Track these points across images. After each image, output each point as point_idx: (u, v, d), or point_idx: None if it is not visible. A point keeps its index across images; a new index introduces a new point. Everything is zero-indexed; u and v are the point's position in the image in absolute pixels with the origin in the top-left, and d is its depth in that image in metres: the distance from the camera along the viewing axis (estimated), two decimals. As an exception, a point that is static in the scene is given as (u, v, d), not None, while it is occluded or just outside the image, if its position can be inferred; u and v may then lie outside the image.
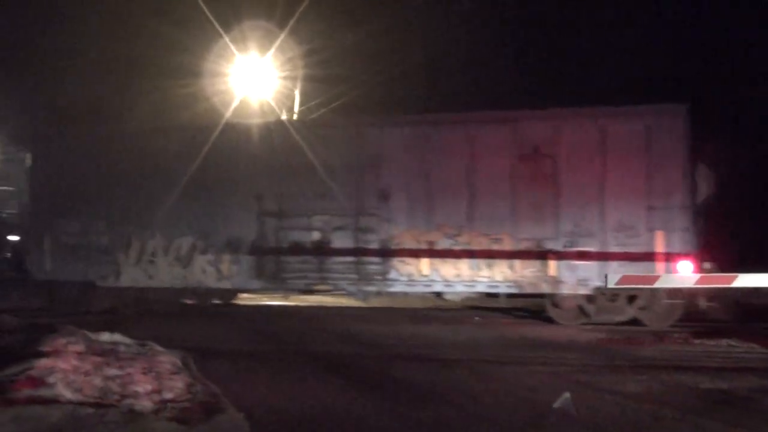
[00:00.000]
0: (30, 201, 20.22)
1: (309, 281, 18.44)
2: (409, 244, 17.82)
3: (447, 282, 17.66)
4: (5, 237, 21.37)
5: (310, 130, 18.54)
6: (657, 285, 16.26)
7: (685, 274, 16.25)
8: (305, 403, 9.32)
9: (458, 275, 17.52)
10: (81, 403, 7.67)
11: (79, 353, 9.39)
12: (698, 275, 16.10)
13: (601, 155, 16.91)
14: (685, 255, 16.39)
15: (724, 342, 14.30)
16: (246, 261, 18.67)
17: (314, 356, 12.80)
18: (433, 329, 16.63)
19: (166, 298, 19.58)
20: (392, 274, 17.90)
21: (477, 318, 18.41)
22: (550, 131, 17.20)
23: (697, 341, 14.61)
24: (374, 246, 17.98)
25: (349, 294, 18.37)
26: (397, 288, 17.98)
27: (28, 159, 20.37)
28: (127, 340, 11.34)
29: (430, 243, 17.68)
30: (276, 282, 18.60)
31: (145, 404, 8.07)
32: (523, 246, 17.20)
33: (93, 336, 10.80)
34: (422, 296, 19.71)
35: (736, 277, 15.59)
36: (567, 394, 9.96)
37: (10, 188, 22.11)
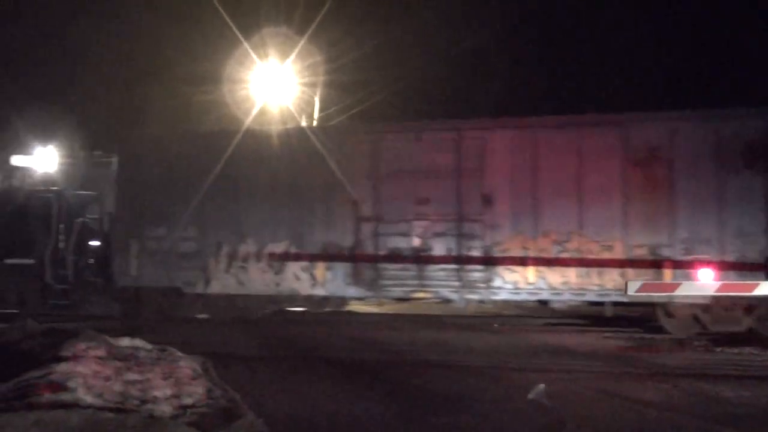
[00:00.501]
0: (115, 206, 19.91)
1: (408, 289, 17.94)
2: (515, 250, 17.31)
3: (554, 290, 17.11)
4: (87, 242, 20.97)
5: (409, 134, 18.21)
6: (677, 293, 16.13)
7: (705, 281, 16.08)
8: (324, 409, 9.32)
9: (566, 283, 17.02)
10: (101, 408, 7.69)
11: (100, 358, 9.42)
12: (719, 282, 15.95)
13: (717, 159, 16.40)
14: None
15: (746, 350, 14.22)
16: (341, 268, 18.27)
17: (333, 362, 12.81)
18: (453, 336, 16.59)
19: (255, 305, 19.28)
20: (497, 282, 17.38)
21: (496, 325, 18.33)
22: (664, 134, 16.69)
23: (718, 349, 14.53)
24: (477, 253, 17.47)
25: (451, 302, 17.90)
26: (502, 296, 17.50)
27: (114, 163, 20.11)
28: (148, 345, 11.36)
29: (537, 250, 17.18)
30: (373, 289, 18.14)
31: (165, 409, 8.08)
32: (636, 253, 16.71)
33: (113, 341, 10.84)
34: (497, 303, 18.97)
35: (758, 285, 15.47)
36: (542, 386, 9.94)
37: (91, 193, 21.77)
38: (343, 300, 18.88)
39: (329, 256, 18.33)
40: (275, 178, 18.58)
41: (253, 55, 26.40)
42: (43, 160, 22.82)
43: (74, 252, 20.70)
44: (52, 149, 23.17)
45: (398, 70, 28.15)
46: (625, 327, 17.35)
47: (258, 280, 18.75)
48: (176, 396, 8.57)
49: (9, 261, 20.57)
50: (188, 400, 8.47)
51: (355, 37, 27.84)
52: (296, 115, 27.51)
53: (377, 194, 18.15)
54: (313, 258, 18.41)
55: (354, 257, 18.20)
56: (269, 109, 27.97)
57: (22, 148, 22.55)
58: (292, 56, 26.34)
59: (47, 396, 7.73)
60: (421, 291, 17.92)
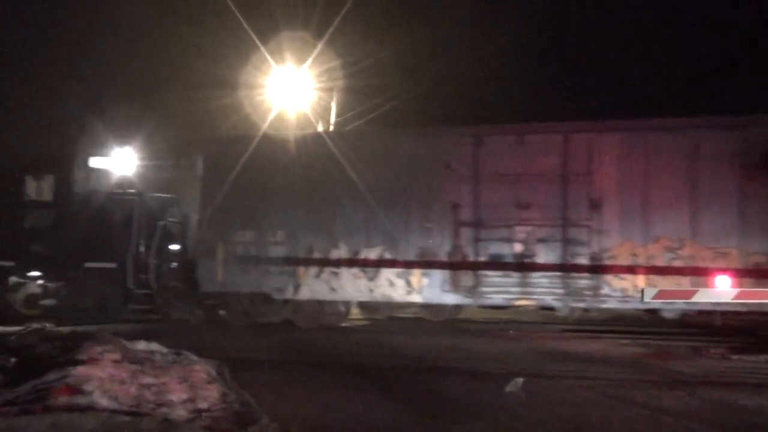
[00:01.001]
0: (200, 209, 19.58)
1: (509, 296, 17.45)
2: (624, 257, 16.79)
3: (665, 300, 16.70)
4: (167, 246, 20.68)
5: (512, 136, 17.72)
6: (694, 299, 16.07)
7: (722, 288, 16.00)
8: (339, 414, 9.32)
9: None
10: (116, 411, 7.72)
11: (116, 361, 9.47)
12: (737, 290, 15.86)
13: None
14: None
15: (762, 358, 14.11)
16: (439, 274, 17.81)
17: (349, 367, 12.80)
18: (468, 342, 16.55)
19: (343, 311, 19.27)
20: (605, 290, 16.87)
21: (511, 331, 18.28)
22: None
23: (735, 357, 14.43)
24: (584, 259, 16.99)
25: (555, 310, 17.51)
26: (610, 305, 17.02)
27: (199, 166, 19.83)
28: (163, 349, 11.42)
29: (648, 257, 16.68)
30: (472, 297, 17.67)
31: (180, 413, 8.11)
32: (753, 261, 16.21)
33: (129, 344, 10.89)
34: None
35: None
36: (520, 379, 9.91)
37: (171, 195, 21.28)
38: (444, 308, 18.60)
39: (426, 262, 17.90)
40: (369, 182, 18.22)
41: (270, 60, 26.49)
42: (120, 162, 22.17)
43: (155, 256, 20.49)
44: (130, 151, 22.56)
45: (416, 75, 28.19)
46: (640, 334, 17.25)
47: (350, 286, 18.35)
48: (191, 400, 8.60)
49: (89, 265, 20.18)
50: (203, 404, 8.50)
51: (373, 42, 27.94)
52: (313, 120, 27.58)
53: (477, 198, 17.70)
54: (409, 264, 18.00)
55: (452, 263, 17.74)
56: (286, 114, 28.04)
57: (100, 150, 21.84)
58: (309, 61, 26.42)
59: (63, 399, 7.77)
60: (523, 298, 17.44)
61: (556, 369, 12.83)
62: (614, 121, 17.43)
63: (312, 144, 18.90)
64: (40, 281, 20.76)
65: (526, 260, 17.29)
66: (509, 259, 17.39)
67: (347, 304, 19.07)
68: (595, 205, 17.02)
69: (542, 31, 30.40)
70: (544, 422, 9.07)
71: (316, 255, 18.58)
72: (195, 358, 11.03)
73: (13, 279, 20.86)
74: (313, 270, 18.57)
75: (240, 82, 26.98)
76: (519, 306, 17.95)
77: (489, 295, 17.57)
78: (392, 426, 8.87)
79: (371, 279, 18.20)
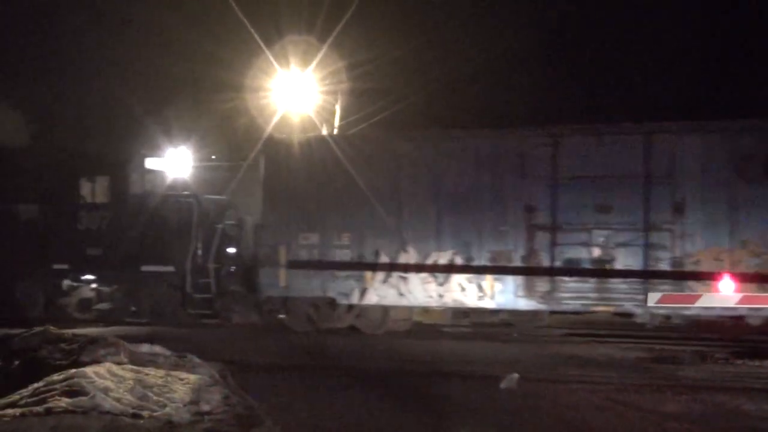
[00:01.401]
0: (262, 212, 18.94)
1: (587, 302, 16.88)
2: (709, 262, 16.19)
3: (753, 305, 16.23)
4: (225, 249, 20.08)
5: (591, 136, 17.13)
6: (698, 304, 16.02)
7: (726, 293, 15.95)
8: (342, 418, 9.32)
9: None
10: (119, 414, 7.72)
11: (119, 364, 9.46)
12: (740, 294, 15.81)
13: None
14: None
15: (766, 363, 14.08)
16: (512, 279, 17.17)
17: (353, 371, 12.80)
18: (472, 345, 16.55)
19: (408, 316, 18.83)
20: None
21: (516, 334, 18.22)
22: None
23: (739, 362, 14.41)
24: (666, 264, 16.38)
25: (634, 316, 16.86)
26: (694, 312, 16.44)
27: (260, 167, 19.04)
28: (167, 352, 11.39)
29: (733, 262, 16.10)
30: (548, 302, 17.08)
31: (183, 416, 8.09)
32: None
33: (133, 347, 10.88)
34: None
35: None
36: (515, 375, 9.88)
37: (227, 198, 20.92)
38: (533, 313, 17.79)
39: (499, 266, 17.29)
40: (439, 184, 17.74)
41: (275, 63, 26.50)
42: (175, 163, 21.48)
43: (214, 260, 20.02)
44: (185, 152, 22.01)
45: (422, 78, 28.20)
46: (644, 338, 17.21)
47: (419, 291, 17.75)
48: (194, 402, 8.58)
49: (146, 268, 19.88)
50: (206, 407, 8.48)
51: (377, 45, 27.92)
52: (317, 123, 27.59)
53: (554, 200, 17.11)
54: (481, 268, 17.39)
55: (527, 268, 17.14)
56: (290, 117, 28.05)
57: (155, 151, 21.28)
58: (314, 64, 26.42)
59: (66, 401, 7.76)
60: (601, 305, 16.89)
61: (560, 373, 12.83)
62: (698, 122, 16.91)
63: (377, 144, 18.56)
64: (94, 285, 20.55)
65: (605, 265, 16.75)
66: (587, 264, 16.85)
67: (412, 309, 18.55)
68: (679, 209, 16.43)
69: (547, 31, 30.35)
70: (548, 426, 9.06)
71: (384, 259, 18.02)
72: (198, 360, 10.99)
73: (66, 282, 20.64)
74: (381, 274, 18.02)
75: (244, 85, 27.02)
76: (596, 312, 17.47)
77: (565, 301, 17.03)
78: (396, 431, 8.86)
79: (441, 284, 17.63)
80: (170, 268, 19.85)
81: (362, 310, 18.49)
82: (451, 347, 16.15)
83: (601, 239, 16.77)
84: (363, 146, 18.50)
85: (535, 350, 15.83)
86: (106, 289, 20.47)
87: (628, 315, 16.96)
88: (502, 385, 9.70)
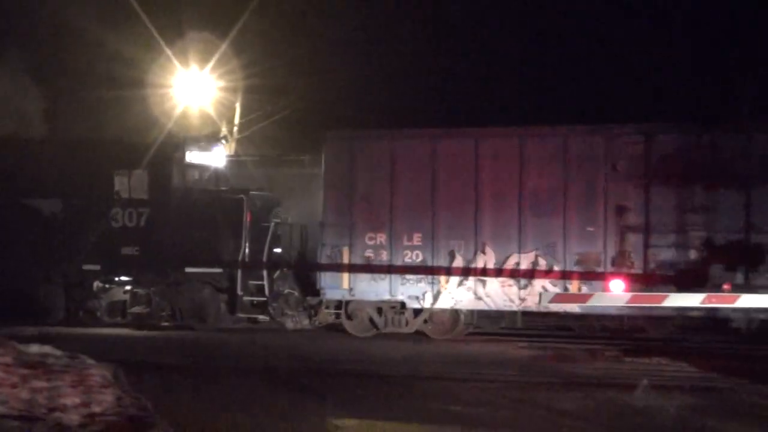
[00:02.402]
0: (324, 211, 17.76)
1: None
2: None
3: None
4: (272, 250, 18.49)
5: (688, 135, 16.41)
6: (589, 303, 16.32)
7: (616, 292, 16.30)
8: (241, 420, 9.23)
9: None
10: (6, 416, 7.50)
11: (6, 365, 9.17)
12: (630, 294, 16.18)
13: None
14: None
15: (654, 360, 14.52)
16: (601, 282, 16.31)
17: (253, 372, 12.71)
18: (374, 345, 16.55)
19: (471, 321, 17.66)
20: None
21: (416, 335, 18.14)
22: None
23: (628, 359, 14.80)
24: None
25: (731, 321, 15.97)
26: None
27: (323, 164, 17.99)
28: (57, 352, 11.10)
29: None
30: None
31: (73, 418, 7.90)
32: None
33: (22, 347, 10.57)
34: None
35: (667, 296, 15.78)
36: (645, 381, 10.04)
37: (275, 194, 19.59)
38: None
39: (586, 269, 16.43)
40: (519, 182, 16.86)
41: (174, 60, 26.11)
42: (219, 157, 19.95)
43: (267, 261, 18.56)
44: (227, 145, 20.73)
45: (324, 77, 28.13)
46: (538, 337, 17.51)
47: (498, 294, 16.72)
48: (85, 404, 8.38)
49: (190, 270, 18.48)
50: (97, 409, 8.29)
51: (279, 42, 27.75)
52: (216, 120, 27.30)
53: (647, 201, 16.22)
54: (568, 272, 16.52)
55: (617, 271, 16.28)
56: (190, 113, 27.68)
57: (197, 144, 19.51)
58: (213, 61, 26.12)
59: (-51, 404, 7.51)
60: (695, 309, 15.80)
61: (457, 372, 12.97)
62: None
63: (449, 141, 17.59)
64: (128, 287, 19.01)
65: (700, 268, 15.93)
66: (682, 267, 16.06)
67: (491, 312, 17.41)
68: None
69: (449, 29, 30.58)
70: (443, 424, 9.13)
71: (459, 261, 16.99)
72: (90, 361, 10.73)
73: (97, 284, 19.02)
74: (456, 277, 16.98)
75: (142, 80, 26.51)
76: (692, 317, 16.37)
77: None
78: (293, 429, 8.83)
79: (523, 287, 16.64)
80: (218, 270, 18.56)
81: (431, 314, 17.49)
82: (352, 347, 16.16)
83: (697, 242, 16.02)
84: (431, 144, 17.50)
85: (432, 349, 15.99)
86: (141, 291, 18.92)
87: (721, 319, 16.18)
88: (637, 392, 9.87)
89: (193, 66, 26.85)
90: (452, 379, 12.15)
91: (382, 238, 17.41)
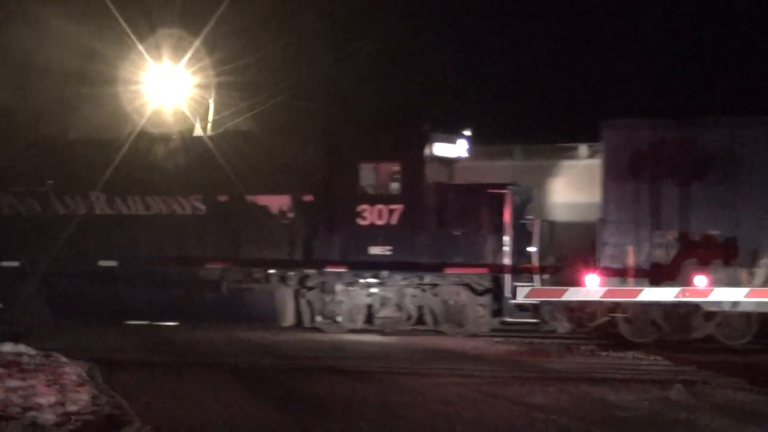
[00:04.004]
0: (603, 207, 16.66)
1: None
2: None
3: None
4: (526, 248, 17.17)
5: None
6: (564, 298, 16.41)
7: (591, 287, 16.40)
8: (217, 416, 9.19)
9: None
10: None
11: (-21, 365, 9.14)
12: (604, 288, 16.28)
13: None
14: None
15: (629, 354, 14.64)
16: None
17: (227, 368, 12.67)
18: (347, 340, 16.58)
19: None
20: None
21: (387, 329, 18.07)
22: None
23: (603, 353, 14.92)
24: None
25: None
26: None
27: (603, 156, 17.00)
28: (32, 351, 11.09)
29: None
30: None
31: (48, 417, 7.88)
32: None
33: (-6, 347, 10.53)
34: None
35: (641, 290, 15.91)
36: (679, 385, 10.08)
37: (528, 188, 18.20)
38: None
39: None
40: None
41: (146, 56, 25.91)
42: (464, 149, 18.49)
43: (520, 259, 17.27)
44: (471, 137, 18.75)
45: (297, 73, 28.08)
46: (514, 332, 17.55)
47: None
48: (60, 403, 8.37)
49: (450, 271, 17.22)
50: (73, 407, 8.28)
51: (251, 39, 27.66)
52: (190, 117, 27.14)
53: None
54: None
55: None
56: (163, 110, 27.48)
57: (443, 136, 18.11)
58: (186, 57, 25.96)
59: None
60: None
61: (432, 367, 13.01)
62: None
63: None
64: (374, 289, 17.80)
65: None
66: None
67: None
68: None
69: (422, 27, 30.65)
70: (419, 420, 9.15)
71: (765, 260, 15.73)
72: (65, 359, 10.74)
73: (340, 287, 17.83)
74: (760, 277, 15.72)
75: (115, 77, 26.30)
76: None
77: None
78: (272, 427, 8.82)
79: None
80: (480, 271, 17.20)
81: (725, 318, 16.25)
82: (325, 341, 16.20)
83: None
84: (744, 131, 16.34)
85: (408, 344, 16.01)
86: (389, 294, 17.75)
87: None
88: (672, 395, 9.91)
89: (167, 62, 26.67)
90: (429, 374, 12.16)
91: (672, 236, 16.31)
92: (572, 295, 16.30)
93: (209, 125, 26.39)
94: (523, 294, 16.40)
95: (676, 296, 15.77)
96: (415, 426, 8.92)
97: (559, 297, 16.39)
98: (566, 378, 11.90)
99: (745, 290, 15.57)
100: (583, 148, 19.09)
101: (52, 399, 8.43)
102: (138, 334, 17.20)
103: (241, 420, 9.05)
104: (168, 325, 18.33)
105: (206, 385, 11.15)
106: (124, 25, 24.06)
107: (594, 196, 17.20)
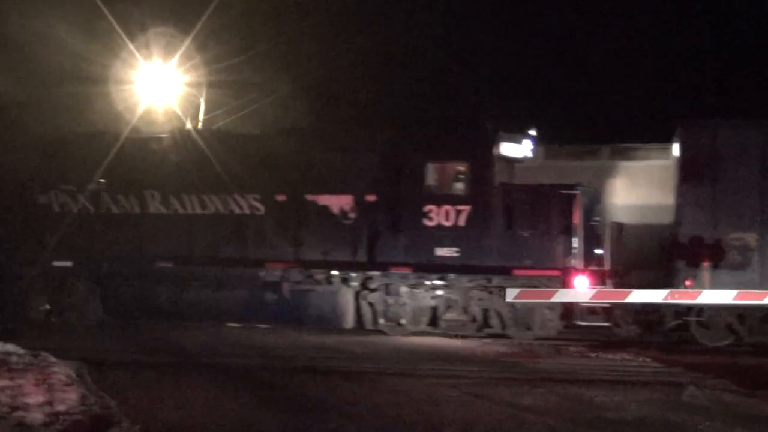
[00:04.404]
0: (678, 207, 16.57)
1: None
2: None
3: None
4: (594, 250, 16.96)
5: None
6: (554, 300, 16.43)
7: (580, 289, 16.40)
8: (206, 417, 9.17)
9: None
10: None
11: (-33, 364, 9.11)
12: (594, 290, 16.30)
13: None
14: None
15: (619, 356, 14.67)
16: None
17: (216, 368, 12.66)
18: (336, 340, 16.56)
19: None
20: None
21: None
22: None
23: (593, 355, 14.95)
24: None
25: None
26: None
27: (679, 155, 16.73)
28: (20, 350, 11.05)
29: None
30: None
31: (36, 416, 7.85)
32: None
33: (-17, 346, 10.50)
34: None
35: (630, 292, 15.94)
36: (692, 387, 10.13)
37: (594, 189, 17.99)
38: None
39: None
40: None
41: (137, 55, 25.86)
42: (528, 150, 18.08)
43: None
44: (535, 136, 18.31)
45: (287, 73, 28.09)
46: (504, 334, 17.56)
47: None
48: (48, 403, 8.34)
49: (519, 273, 16.77)
50: (61, 407, 8.25)
51: (244, 38, 27.66)
52: (182, 116, 27.09)
53: None
54: None
55: None
56: (154, 109, 27.43)
57: (509, 135, 17.72)
58: (177, 56, 25.91)
59: None
60: None
61: (422, 368, 13.02)
62: None
63: None
64: (439, 291, 17.38)
65: None
66: None
67: None
68: None
69: (414, 28, 30.70)
70: (409, 421, 9.15)
71: None
72: (54, 359, 10.70)
73: (404, 289, 17.45)
74: None
75: (106, 76, 26.23)
76: None
77: None
78: (258, 427, 8.81)
79: None
80: (552, 273, 16.78)
81: None
82: (314, 342, 16.18)
83: None
84: None
85: (398, 345, 16.02)
86: (455, 296, 17.31)
87: None
88: (685, 398, 9.92)
89: (157, 61, 26.62)
90: (419, 375, 12.17)
91: (750, 238, 16.05)
92: (561, 296, 16.33)
93: (200, 124, 26.36)
94: (512, 295, 16.40)
95: (664, 298, 15.79)
96: (404, 427, 8.91)
97: (549, 298, 16.40)
98: (555, 379, 11.92)
99: (733, 292, 15.58)
100: (641, 149, 18.87)
101: (40, 398, 8.41)
102: (127, 335, 17.15)
103: (230, 420, 9.04)
104: (158, 326, 18.23)
105: (195, 385, 11.12)
106: (113, 21, 23.96)
107: (651, 197, 17.42)
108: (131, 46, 25.08)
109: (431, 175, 17.36)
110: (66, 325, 18.34)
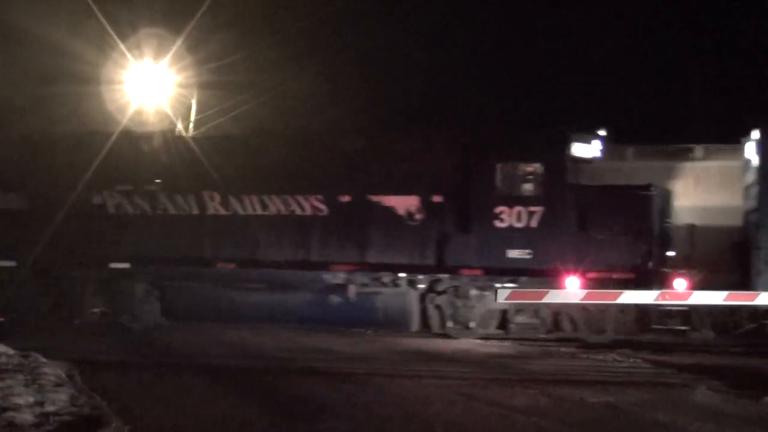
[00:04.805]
0: (761, 207, 16.13)
1: None
2: None
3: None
4: (665, 253, 16.81)
5: None
6: (545, 300, 16.43)
7: (571, 289, 16.40)
8: (195, 416, 9.16)
9: None
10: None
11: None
12: (584, 291, 16.31)
13: None
14: None
15: (610, 356, 14.70)
16: None
17: (207, 369, 12.63)
18: (329, 342, 16.53)
19: None
20: None
21: (369, 331, 18.14)
22: None
23: (584, 355, 14.97)
24: None
25: None
26: None
27: (759, 151, 16.37)
28: (10, 351, 11.01)
29: None
30: None
31: (26, 417, 7.81)
32: None
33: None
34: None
35: (621, 293, 15.95)
36: (703, 386, 10.38)
37: (667, 189, 17.77)
38: None
39: None
40: None
41: (128, 55, 25.82)
42: (597, 150, 17.79)
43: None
44: (604, 137, 18.04)
45: (279, 74, 28.11)
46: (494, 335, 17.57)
47: None
48: (39, 403, 8.30)
49: (592, 276, 16.46)
50: (51, 408, 8.22)
51: (235, 39, 27.64)
52: (173, 116, 27.05)
53: None
54: None
55: None
56: (144, 110, 27.38)
57: (578, 137, 17.43)
58: (168, 57, 25.89)
59: None
60: None
61: (414, 368, 13.01)
62: None
63: None
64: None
65: None
66: None
67: None
68: None
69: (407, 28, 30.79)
70: (400, 421, 9.15)
71: None
72: (44, 360, 10.66)
73: (474, 292, 17.32)
74: None
75: (97, 76, 26.19)
76: None
77: None
78: (252, 428, 8.79)
79: None
80: (627, 275, 16.52)
81: None
82: (307, 343, 16.16)
83: None
84: None
85: (391, 346, 16.00)
86: (525, 300, 17.04)
87: None
88: (696, 397, 9.93)
89: (148, 61, 26.60)
90: (411, 376, 12.16)
91: None
92: (552, 297, 16.32)
93: (191, 125, 26.34)
94: (503, 296, 16.39)
95: (655, 299, 15.81)
96: (395, 427, 8.91)
97: (540, 299, 16.39)
98: (546, 380, 11.92)
99: (724, 293, 15.60)
100: (699, 150, 18.62)
101: (30, 399, 8.37)
102: (118, 335, 17.12)
103: (221, 420, 9.02)
104: (148, 327, 18.20)
105: (187, 385, 11.11)
106: (104, 21, 23.92)
107: (718, 199, 17.28)
108: (122, 46, 25.03)
109: (503, 176, 17.14)
110: (57, 326, 18.22)
